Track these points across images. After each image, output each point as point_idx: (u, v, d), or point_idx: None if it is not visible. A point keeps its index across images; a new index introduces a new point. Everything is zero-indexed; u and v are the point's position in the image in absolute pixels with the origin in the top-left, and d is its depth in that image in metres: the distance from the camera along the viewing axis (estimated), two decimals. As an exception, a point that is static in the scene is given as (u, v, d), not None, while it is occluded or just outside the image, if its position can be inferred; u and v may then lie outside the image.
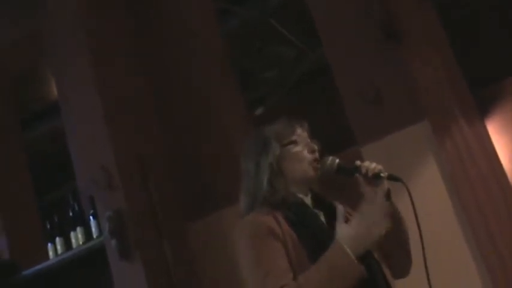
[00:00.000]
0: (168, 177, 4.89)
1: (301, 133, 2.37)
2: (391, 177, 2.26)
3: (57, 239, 4.88)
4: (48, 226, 4.98)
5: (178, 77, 5.13)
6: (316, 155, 2.34)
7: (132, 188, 4.63)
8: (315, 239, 2.17)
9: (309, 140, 2.37)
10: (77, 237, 4.80)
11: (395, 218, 2.33)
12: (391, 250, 2.36)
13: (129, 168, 4.67)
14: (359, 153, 4.45)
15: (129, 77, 5.04)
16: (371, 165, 2.25)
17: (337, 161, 2.31)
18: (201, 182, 4.87)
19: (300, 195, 2.31)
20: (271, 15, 6.66)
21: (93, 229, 4.71)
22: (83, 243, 4.75)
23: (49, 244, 4.92)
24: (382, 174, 2.24)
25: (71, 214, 4.87)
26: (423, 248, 2.35)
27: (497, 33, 5.73)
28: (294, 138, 2.35)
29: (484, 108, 4.52)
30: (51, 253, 4.90)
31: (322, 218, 2.30)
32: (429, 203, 4.19)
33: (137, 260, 4.43)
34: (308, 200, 2.33)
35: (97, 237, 4.68)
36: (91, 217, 4.73)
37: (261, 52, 7.22)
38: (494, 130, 4.47)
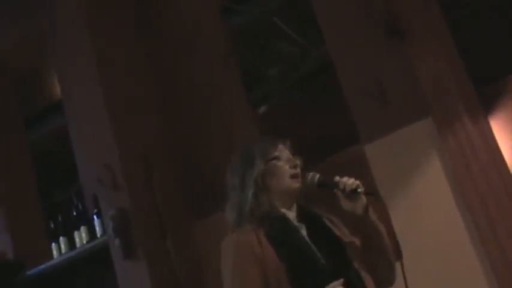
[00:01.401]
0: (172, 176, 4.89)
1: (283, 149, 2.49)
2: (368, 193, 2.38)
3: (61, 238, 4.88)
4: (52, 225, 4.99)
5: (181, 75, 5.12)
6: (298, 170, 2.45)
7: (136, 187, 4.63)
8: (293, 255, 2.30)
9: (290, 156, 2.48)
10: (80, 236, 4.80)
11: (373, 231, 2.43)
12: (374, 262, 2.45)
13: (133, 167, 4.67)
14: (362, 151, 4.45)
15: (133, 76, 5.04)
16: (349, 181, 2.37)
17: (318, 176, 2.43)
18: (205, 181, 4.86)
19: (284, 209, 2.43)
20: (275, 13, 6.65)
21: (97, 228, 4.72)
22: (87, 242, 4.76)
23: (53, 243, 4.93)
24: (359, 190, 2.35)
25: (74, 213, 4.88)
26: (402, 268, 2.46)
27: (498, 32, 5.72)
28: (276, 154, 2.47)
29: (487, 105, 4.51)
30: (55, 252, 4.91)
31: (304, 231, 2.41)
32: (432, 200, 4.19)
33: (141, 259, 4.44)
34: (293, 213, 2.45)
35: (101, 236, 4.68)
36: (95, 216, 4.73)
37: (264, 50, 7.21)
38: (497, 127, 4.46)
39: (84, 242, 4.77)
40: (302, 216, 2.46)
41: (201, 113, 5.01)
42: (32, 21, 5.41)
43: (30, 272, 4.93)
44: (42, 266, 4.91)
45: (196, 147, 4.98)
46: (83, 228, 4.79)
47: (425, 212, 4.22)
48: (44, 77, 6.46)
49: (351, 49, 4.56)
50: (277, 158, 2.46)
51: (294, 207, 2.46)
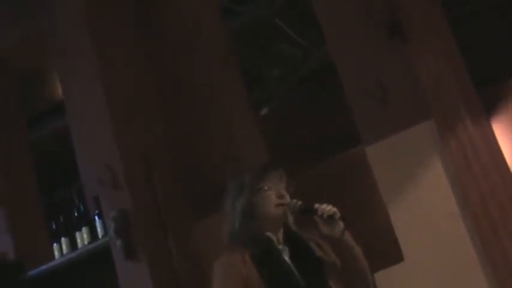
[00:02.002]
0: (173, 176, 4.89)
1: (272, 179, 2.69)
2: (344, 219, 2.59)
3: (63, 239, 4.88)
4: (54, 226, 4.99)
5: (182, 76, 5.13)
6: (283, 199, 2.66)
7: (137, 188, 4.63)
8: (274, 275, 2.56)
9: (279, 185, 2.69)
10: (82, 237, 4.80)
11: (349, 253, 2.65)
12: (351, 283, 2.67)
13: (134, 167, 4.67)
14: (364, 152, 4.45)
15: (133, 76, 5.04)
16: (326, 208, 2.59)
17: (299, 204, 2.64)
18: (206, 181, 4.86)
19: (269, 233, 2.65)
20: (275, 14, 6.65)
21: (99, 229, 4.72)
22: (88, 243, 4.76)
23: (54, 244, 4.92)
24: (335, 216, 2.58)
25: (76, 214, 4.88)
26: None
27: (499, 33, 5.72)
28: (264, 184, 2.68)
29: (489, 107, 4.51)
30: (56, 253, 4.90)
31: (287, 253, 2.63)
32: (434, 201, 4.19)
33: (142, 259, 4.44)
34: (278, 237, 2.67)
35: (102, 237, 4.68)
36: (96, 217, 4.74)
37: (265, 51, 7.21)
38: (498, 128, 4.47)
39: (86, 242, 4.77)
40: (289, 239, 2.67)
41: (201, 113, 5.01)
42: (33, 21, 5.42)
43: (31, 273, 4.93)
44: (44, 267, 4.91)
45: (197, 147, 4.98)
46: (84, 229, 4.79)
47: (426, 213, 4.22)
48: (44, 77, 6.46)
49: (351, 49, 4.56)
50: (265, 188, 2.67)
51: (281, 231, 2.68)
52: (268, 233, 2.65)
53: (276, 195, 2.67)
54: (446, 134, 4.13)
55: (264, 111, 7.51)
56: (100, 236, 4.70)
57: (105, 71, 4.87)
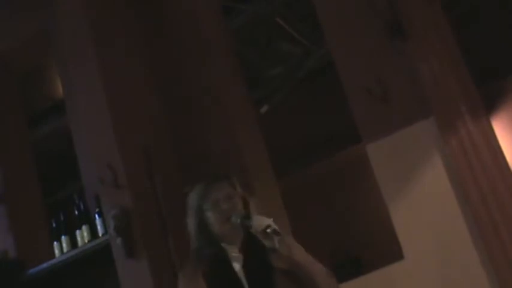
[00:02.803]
0: (174, 175, 4.89)
1: (218, 193, 2.79)
2: (276, 232, 2.63)
3: (63, 238, 4.89)
4: (54, 225, 4.99)
5: (184, 75, 5.13)
6: (228, 214, 2.74)
7: (138, 186, 4.63)
8: (222, 286, 2.69)
9: (225, 200, 2.77)
10: (82, 235, 4.81)
11: (292, 263, 2.70)
12: None
13: (135, 166, 4.67)
14: (364, 150, 4.45)
15: (136, 76, 5.04)
16: (259, 222, 2.66)
17: (239, 220, 2.71)
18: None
19: (223, 244, 2.76)
20: (276, 13, 6.65)
21: (99, 227, 4.72)
22: (89, 241, 4.76)
23: (55, 242, 4.93)
24: (268, 230, 2.63)
25: (76, 213, 4.89)
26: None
27: (500, 32, 5.72)
28: (210, 203, 2.78)
29: (489, 105, 4.51)
30: (57, 251, 4.91)
31: (240, 263, 2.72)
32: (434, 199, 4.19)
33: (143, 257, 4.44)
34: (233, 247, 2.76)
35: (103, 235, 4.69)
36: (97, 215, 4.74)
37: (266, 50, 7.21)
38: (499, 127, 4.46)
39: (86, 241, 4.78)
40: (250, 247, 2.74)
41: (202, 112, 5.01)
42: (34, 21, 5.42)
43: (32, 271, 4.93)
44: (44, 265, 4.91)
45: (198, 146, 4.98)
46: (84, 228, 4.80)
47: (427, 211, 4.22)
48: (46, 77, 6.47)
49: (352, 48, 4.56)
50: (210, 207, 2.77)
51: (237, 241, 2.76)
52: (223, 244, 2.76)
53: (221, 210, 2.76)
54: (446, 131, 4.13)
55: (264, 109, 7.52)
56: (100, 235, 4.71)
57: (106, 71, 4.87)
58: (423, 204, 4.23)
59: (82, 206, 4.87)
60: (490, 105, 4.52)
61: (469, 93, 4.30)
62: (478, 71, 4.49)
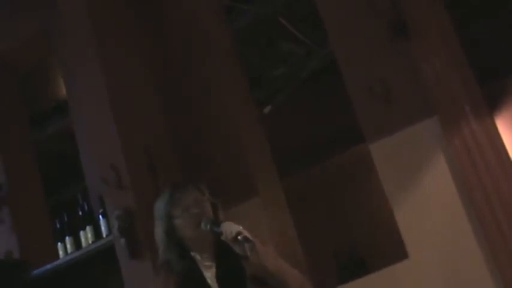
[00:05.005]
0: (177, 175, 4.89)
1: (186, 199, 2.76)
2: (246, 239, 2.59)
3: (67, 238, 4.89)
4: (58, 225, 5.00)
5: (185, 75, 5.13)
6: (198, 220, 2.70)
7: (142, 187, 4.63)
8: None
9: (194, 206, 2.74)
10: (86, 236, 4.81)
11: (263, 270, 2.67)
12: None
13: (139, 167, 4.67)
14: (368, 150, 4.45)
15: (139, 76, 5.04)
16: (229, 229, 2.62)
17: (208, 226, 2.68)
18: (211, 179, 4.85)
19: (194, 253, 2.74)
20: (279, 13, 6.65)
21: (103, 228, 4.73)
22: (93, 242, 4.77)
23: (59, 243, 4.93)
24: (239, 237, 2.59)
25: (80, 213, 4.89)
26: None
27: (503, 30, 5.71)
28: (179, 209, 2.75)
29: (493, 104, 4.51)
30: (61, 252, 4.91)
31: (212, 271, 2.71)
32: (438, 198, 4.19)
33: (147, 258, 4.44)
34: (205, 254, 2.73)
35: (106, 236, 4.69)
36: (100, 216, 4.74)
37: (268, 50, 7.21)
38: (503, 125, 4.46)
39: (90, 241, 4.78)
40: (222, 255, 2.72)
41: (204, 113, 5.01)
42: (34, 21, 5.43)
43: (36, 272, 4.94)
44: (48, 266, 4.91)
45: (200, 146, 4.98)
46: (88, 228, 4.80)
47: (431, 210, 4.22)
48: (49, 77, 6.48)
49: (355, 48, 4.55)
50: (179, 214, 2.74)
51: (208, 248, 2.74)
52: (194, 253, 2.73)
53: (190, 216, 2.72)
54: (450, 131, 4.13)
55: (267, 109, 7.52)
56: (104, 235, 4.71)
57: (110, 71, 4.87)
58: (427, 203, 4.23)
59: (86, 207, 4.87)
60: (493, 104, 4.52)
61: (472, 93, 4.29)
62: (481, 70, 4.49)
